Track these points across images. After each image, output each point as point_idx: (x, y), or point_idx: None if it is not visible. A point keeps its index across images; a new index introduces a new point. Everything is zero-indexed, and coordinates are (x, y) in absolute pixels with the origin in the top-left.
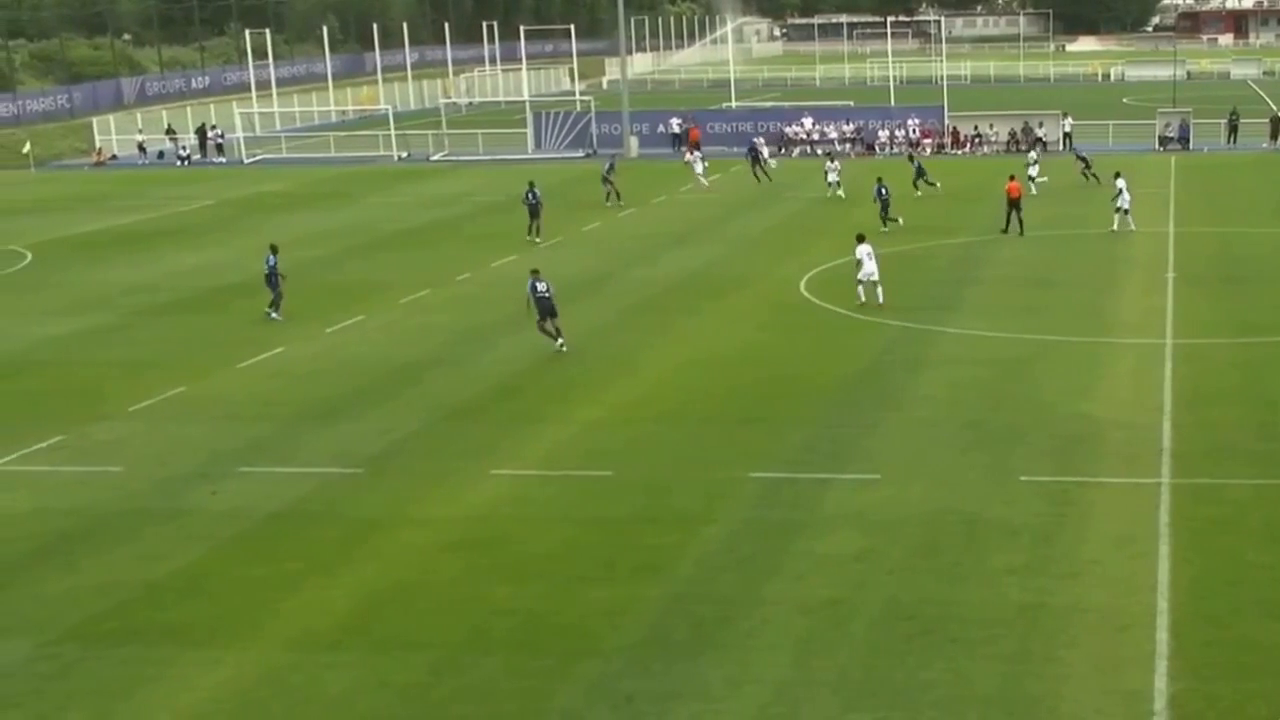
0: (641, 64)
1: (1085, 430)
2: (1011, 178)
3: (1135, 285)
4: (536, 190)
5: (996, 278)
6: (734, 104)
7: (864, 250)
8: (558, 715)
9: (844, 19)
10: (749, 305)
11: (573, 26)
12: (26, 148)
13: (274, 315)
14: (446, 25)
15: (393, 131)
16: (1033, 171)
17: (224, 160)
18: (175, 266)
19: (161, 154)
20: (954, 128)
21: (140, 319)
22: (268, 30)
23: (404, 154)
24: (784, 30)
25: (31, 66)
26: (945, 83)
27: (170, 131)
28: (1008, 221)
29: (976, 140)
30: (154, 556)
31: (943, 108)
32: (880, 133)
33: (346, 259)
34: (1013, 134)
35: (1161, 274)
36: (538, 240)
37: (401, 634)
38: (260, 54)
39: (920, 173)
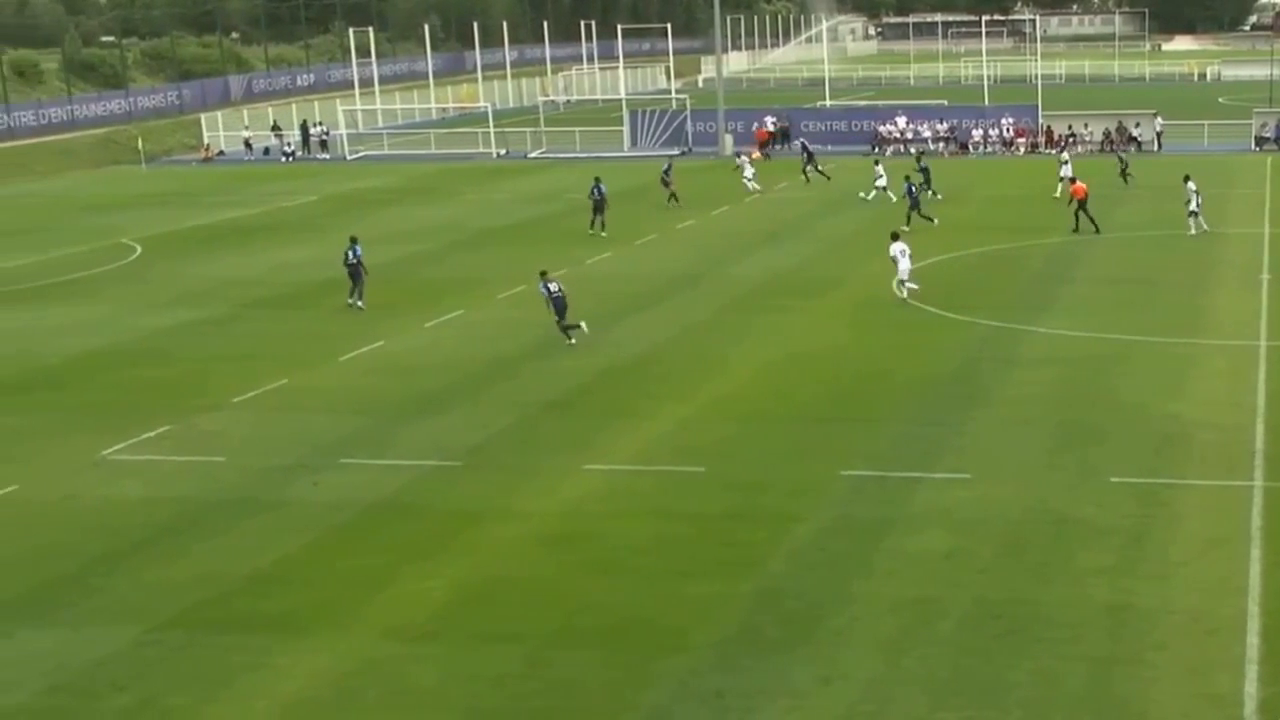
0: (737, 62)
1: (1176, 431)
2: (1074, 180)
3: (1229, 286)
4: (602, 186)
5: (1089, 277)
6: (828, 102)
7: (897, 248)
8: (647, 710)
9: (939, 18)
10: (841, 303)
11: (669, 25)
12: (139, 143)
13: (359, 304)
14: (545, 24)
15: (491, 129)
16: (1064, 171)
17: (327, 156)
18: (279, 261)
19: (267, 150)
20: (1048, 127)
21: (245, 312)
22: (371, 29)
23: (502, 151)
24: (879, 29)
25: (143, 64)
26: (1040, 82)
27: (276, 128)
28: (1077, 222)
29: (1070, 140)
30: (256, 546)
31: (1037, 107)
32: (974, 132)
33: (445, 254)
34: (1107, 133)
35: (1256, 275)
36: (603, 233)
37: (494, 626)
38: (364, 52)
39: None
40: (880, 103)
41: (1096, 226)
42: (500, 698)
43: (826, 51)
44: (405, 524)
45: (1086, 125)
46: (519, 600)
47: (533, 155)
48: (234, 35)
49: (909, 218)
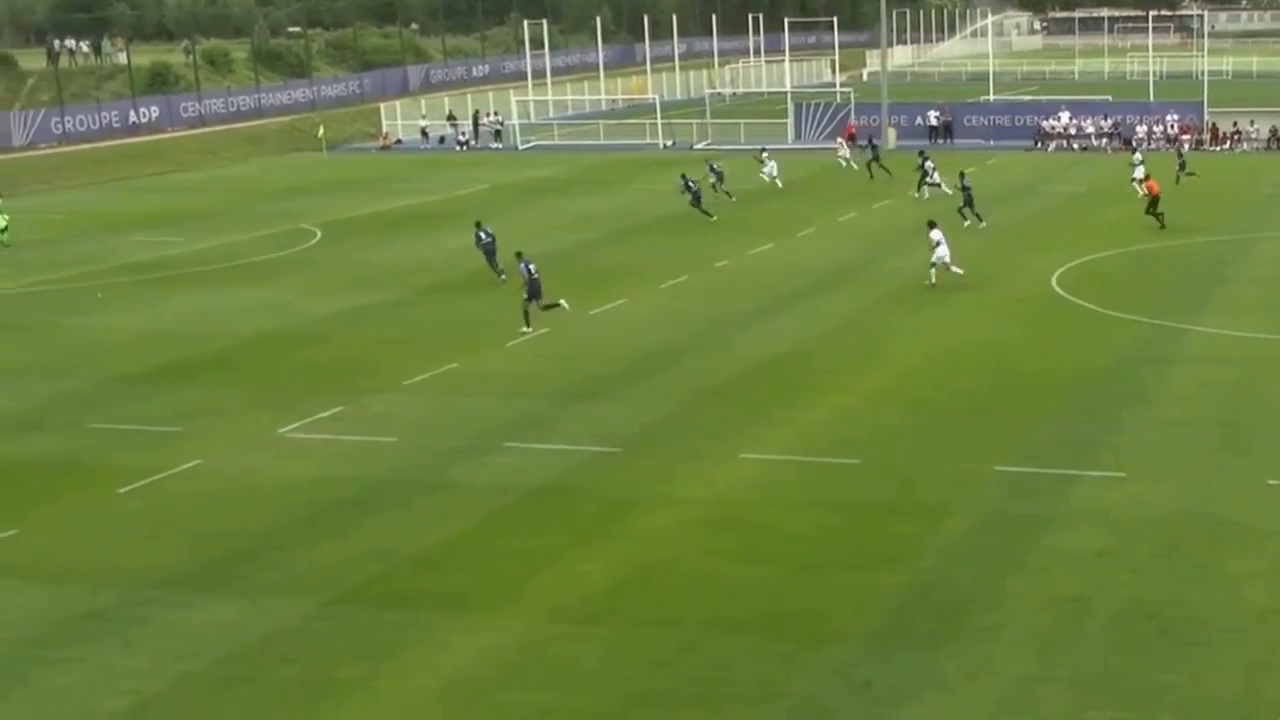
0: (901, 56)
1: None
2: (1148, 176)
3: None
4: (692, 181)
5: (1251, 277)
6: (991, 97)
7: (936, 235)
8: (798, 698)
9: (1105, 13)
10: (1000, 298)
11: (835, 19)
12: (320, 131)
13: (503, 277)
14: (714, 17)
15: (659, 120)
16: (1138, 174)
17: (499, 146)
18: (452, 247)
19: (442, 139)
20: (1213, 124)
21: (418, 297)
22: (545, 21)
23: (669, 142)
24: (1044, 24)
25: (327, 54)
26: (1206, 78)
27: (451, 117)
28: (1160, 220)
29: (1236, 137)
30: (423, 525)
31: (1202, 103)
32: (1138, 128)
33: (611, 243)
34: (1274, 131)
35: None
36: (713, 217)
37: (651, 610)
38: (537, 44)
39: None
40: (1044, 98)
41: (1162, 223)
42: (657, 680)
43: (991, 46)
44: (566, 508)
45: (1253, 122)
46: (675, 585)
47: (699, 147)
48: (413, 27)
49: (964, 215)
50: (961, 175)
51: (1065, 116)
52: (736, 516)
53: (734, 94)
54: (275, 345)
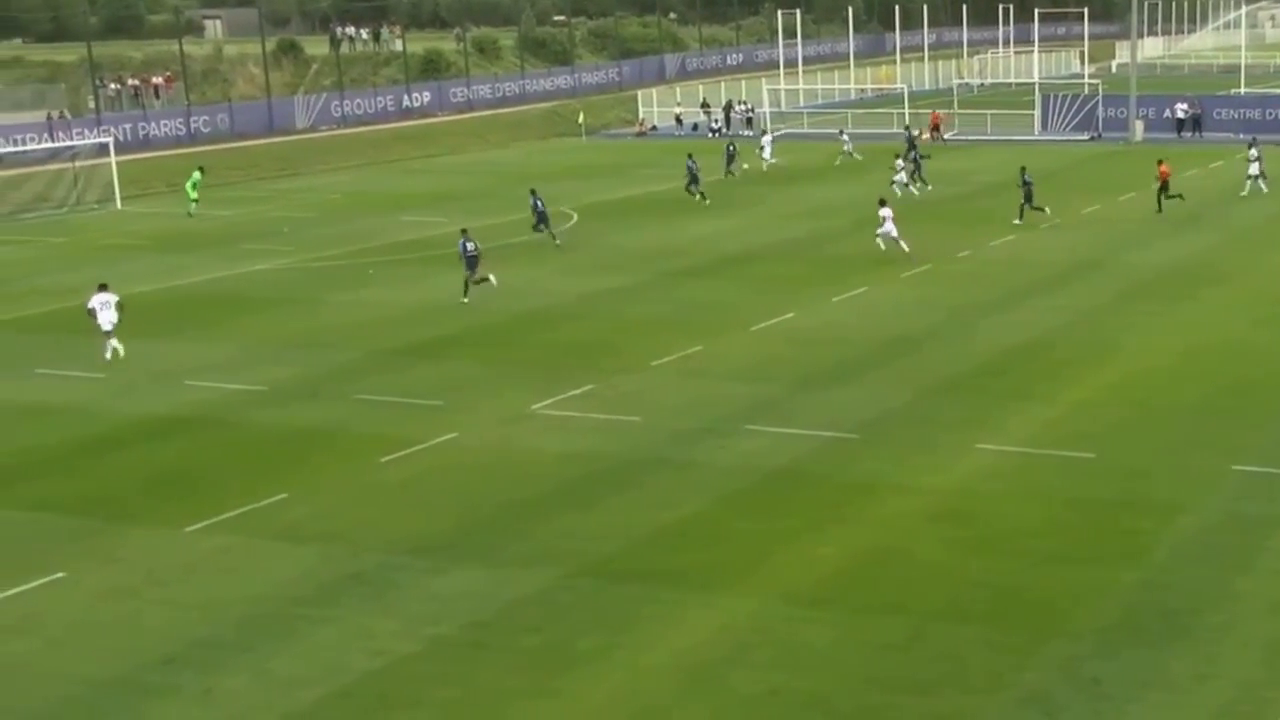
0: (1151, 48)
1: None
2: (1160, 162)
3: None
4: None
5: None
6: (1242, 90)
7: (885, 212)
8: (1025, 690)
9: None
10: (1245, 296)
11: (1085, 10)
12: (580, 117)
13: (558, 241)
14: (964, 8)
15: (906, 109)
16: (1253, 170)
17: (750, 133)
18: (701, 232)
19: (695, 126)
20: None
21: (666, 280)
22: (798, 11)
23: (916, 132)
24: None
25: (589, 42)
26: None
27: (705, 105)
28: (1159, 204)
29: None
30: (663, 503)
31: None
32: None
33: (855, 231)
34: None
35: None
36: (706, 202)
37: (882, 597)
38: (790, 33)
39: None
40: None
41: (1160, 207)
42: (885, 666)
43: (1244, 38)
44: (802, 491)
45: None
46: (906, 573)
47: (945, 137)
48: (672, 16)
49: (1021, 211)
50: (1022, 170)
51: None
52: (970, 507)
53: (981, 84)
54: (531, 324)
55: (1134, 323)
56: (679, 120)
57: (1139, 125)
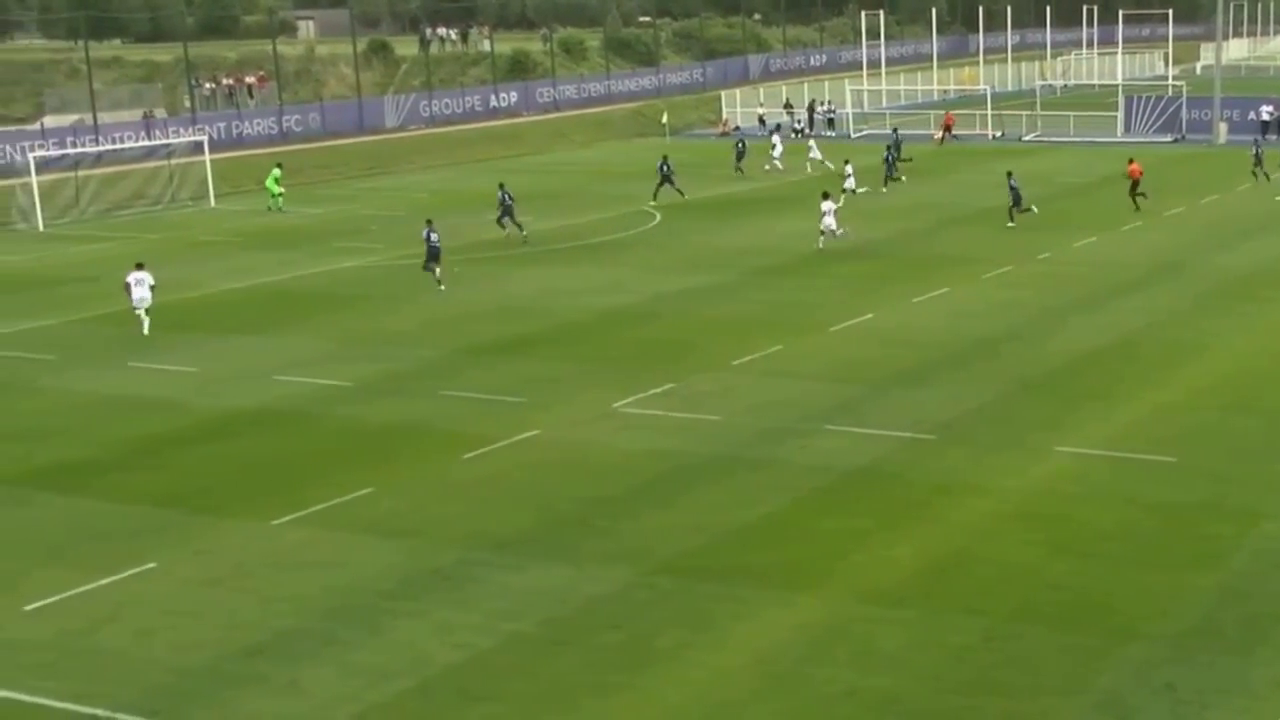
0: (1236, 49)
1: None
2: (1130, 160)
3: None
4: (669, 163)
5: None
6: None
7: (826, 205)
8: (1100, 694)
9: None
10: None
11: (1170, 11)
12: (664, 117)
13: (524, 234)
14: (1048, 9)
15: (989, 111)
16: None
17: (833, 134)
18: (783, 231)
19: (778, 126)
20: None
21: (748, 279)
22: (882, 12)
23: (998, 133)
24: None
25: (673, 43)
26: None
27: (788, 105)
28: (1133, 200)
29: None
30: (742, 502)
31: None
32: None
33: (937, 232)
34: None
35: None
36: (651, 203)
37: (959, 598)
38: (874, 34)
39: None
40: None
41: (1137, 205)
42: (961, 668)
43: None
44: (881, 491)
45: None
46: (983, 574)
47: (1027, 138)
48: (756, 17)
49: (1011, 214)
50: (1009, 175)
51: None
52: (1048, 509)
53: (1065, 86)
54: (613, 322)
55: (1217, 325)
56: (762, 121)
57: (1223, 128)
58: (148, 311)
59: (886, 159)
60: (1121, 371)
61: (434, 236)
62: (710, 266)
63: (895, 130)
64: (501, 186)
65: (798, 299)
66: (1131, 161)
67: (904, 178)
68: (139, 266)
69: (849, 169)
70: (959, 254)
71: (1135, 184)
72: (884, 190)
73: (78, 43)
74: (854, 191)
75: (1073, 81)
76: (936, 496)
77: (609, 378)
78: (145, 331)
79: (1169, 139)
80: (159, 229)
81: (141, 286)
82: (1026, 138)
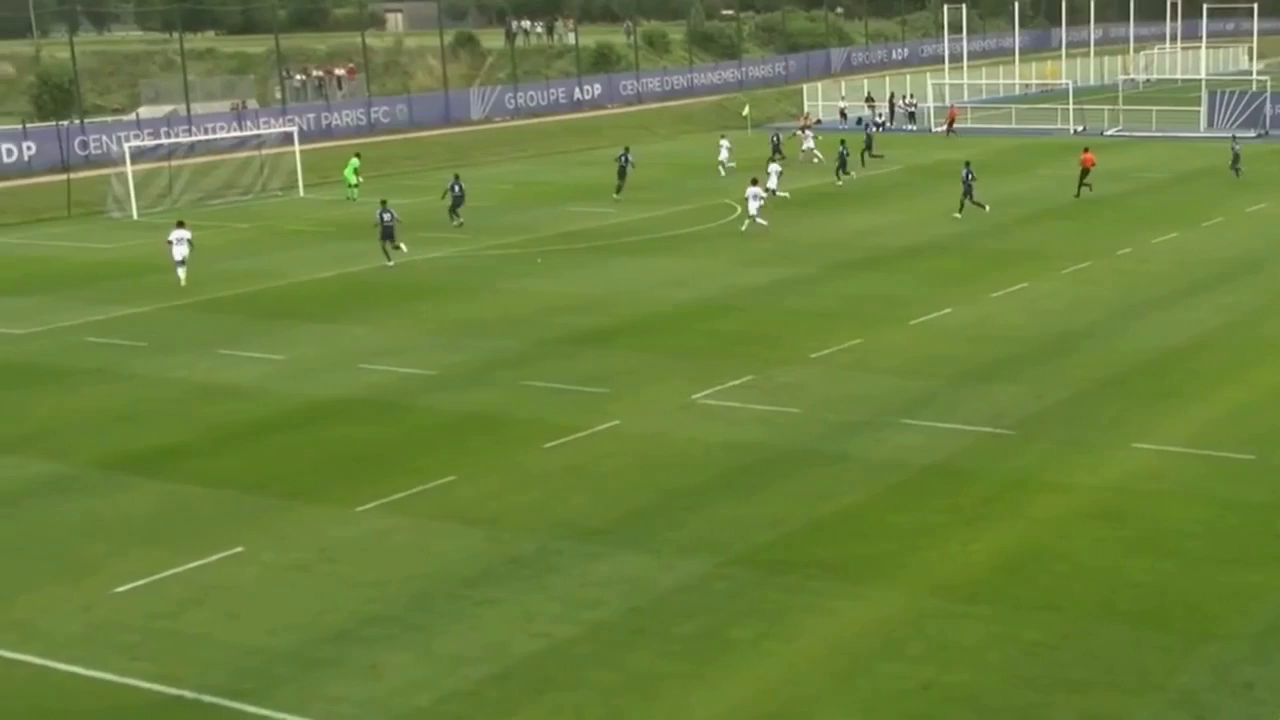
0: None
1: None
2: (1085, 149)
3: None
4: (629, 155)
5: None
6: None
7: (752, 191)
8: (1176, 693)
9: None
10: None
11: (1255, 5)
12: (746, 110)
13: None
14: (1131, 3)
15: (1070, 105)
16: None
17: (914, 128)
18: (863, 226)
19: (859, 120)
20: None
21: (827, 272)
22: (964, 6)
23: (1079, 128)
24: None
25: (756, 36)
26: None
27: (869, 99)
28: (1079, 189)
29: None
30: (819, 495)
31: None
32: None
33: (1015, 228)
34: None
35: None
36: (617, 197)
37: (1035, 594)
38: (956, 28)
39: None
40: None
41: (1079, 193)
42: (1036, 664)
43: None
44: (957, 487)
45: None
46: (1059, 571)
47: (1109, 133)
48: (838, 11)
49: (961, 205)
50: (966, 164)
51: None
52: (1126, 507)
53: (1147, 80)
54: (693, 314)
55: None
56: (843, 114)
57: None
58: (183, 263)
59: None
60: (1200, 369)
61: (385, 216)
62: (791, 259)
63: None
64: (456, 178)
65: (877, 293)
66: (1086, 150)
67: (853, 175)
68: (179, 225)
69: (773, 167)
70: (1037, 249)
71: (1085, 173)
72: (848, 178)
73: (173, 35)
74: (775, 192)
75: (1155, 76)
76: (1013, 492)
77: (688, 369)
78: (183, 283)
79: (1252, 134)
80: (249, 218)
81: (181, 245)
82: (1108, 132)
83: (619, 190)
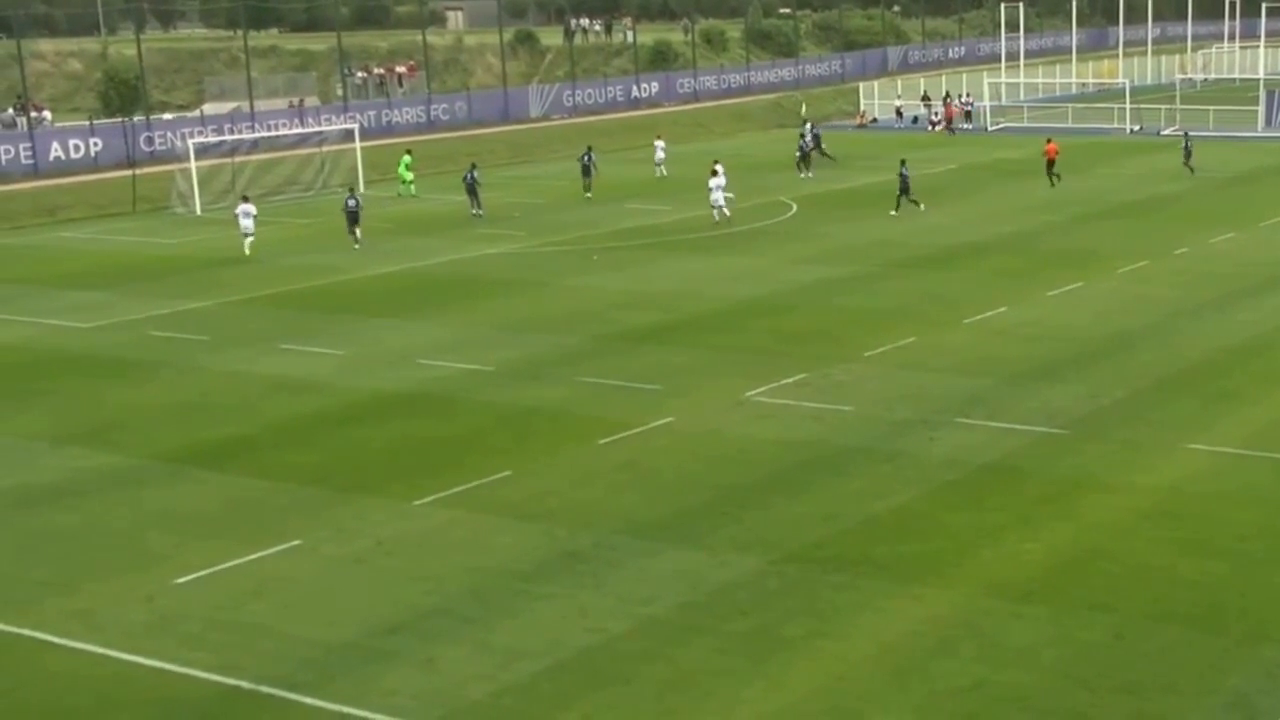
0: None
1: None
2: (1049, 140)
3: None
4: (592, 155)
5: None
6: None
7: (714, 182)
8: (1229, 695)
9: None
10: None
11: None
12: (803, 108)
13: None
14: (1190, 1)
15: (1127, 105)
16: None
17: (970, 127)
18: (917, 224)
19: (915, 119)
20: None
21: (883, 271)
22: (1021, 4)
23: (1136, 127)
24: None
25: (813, 35)
26: None
27: (925, 98)
28: (1050, 179)
29: None
30: (872, 493)
31: None
32: None
33: (1071, 227)
34: None
35: None
36: (588, 195)
37: (1089, 595)
38: (1013, 27)
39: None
40: None
41: (1052, 183)
42: (1090, 664)
43: None
44: (1012, 486)
45: None
46: (1114, 572)
47: (1165, 132)
48: (895, 9)
49: (898, 202)
50: (902, 162)
51: None
52: (1181, 508)
53: (1205, 79)
54: (749, 311)
55: None
56: (899, 113)
57: None
58: (249, 235)
59: (804, 146)
60: (1258, 369)
61: (351, 202)
62: (845, 258)
63: (803, 133)
64: (474, 167)
65: (932, 291)
66: (1049, 141)
67: (812, 174)
68: (245, 199)
69: (719, 179)
70: (1094, 248)
71: (1051, 163)
72: (809, 175)
73: (237, 32)
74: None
75: (1213, 75)
76: (1068, 492)
77: (744, 366)
78: (247, 252)
79: None
80: (310, 214)
81: (247, 218)
82: (1165, 132)
83: (587, 189)
